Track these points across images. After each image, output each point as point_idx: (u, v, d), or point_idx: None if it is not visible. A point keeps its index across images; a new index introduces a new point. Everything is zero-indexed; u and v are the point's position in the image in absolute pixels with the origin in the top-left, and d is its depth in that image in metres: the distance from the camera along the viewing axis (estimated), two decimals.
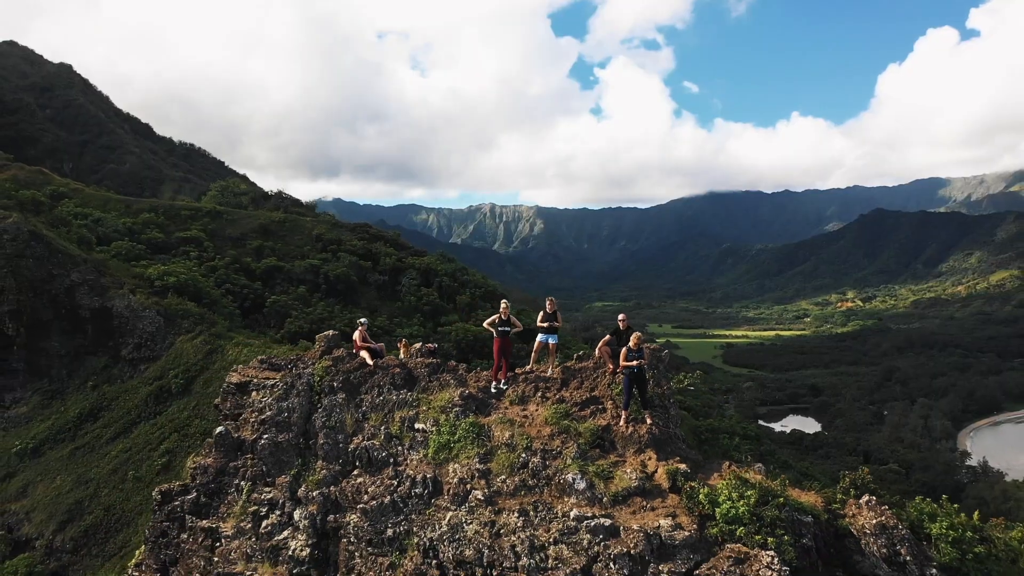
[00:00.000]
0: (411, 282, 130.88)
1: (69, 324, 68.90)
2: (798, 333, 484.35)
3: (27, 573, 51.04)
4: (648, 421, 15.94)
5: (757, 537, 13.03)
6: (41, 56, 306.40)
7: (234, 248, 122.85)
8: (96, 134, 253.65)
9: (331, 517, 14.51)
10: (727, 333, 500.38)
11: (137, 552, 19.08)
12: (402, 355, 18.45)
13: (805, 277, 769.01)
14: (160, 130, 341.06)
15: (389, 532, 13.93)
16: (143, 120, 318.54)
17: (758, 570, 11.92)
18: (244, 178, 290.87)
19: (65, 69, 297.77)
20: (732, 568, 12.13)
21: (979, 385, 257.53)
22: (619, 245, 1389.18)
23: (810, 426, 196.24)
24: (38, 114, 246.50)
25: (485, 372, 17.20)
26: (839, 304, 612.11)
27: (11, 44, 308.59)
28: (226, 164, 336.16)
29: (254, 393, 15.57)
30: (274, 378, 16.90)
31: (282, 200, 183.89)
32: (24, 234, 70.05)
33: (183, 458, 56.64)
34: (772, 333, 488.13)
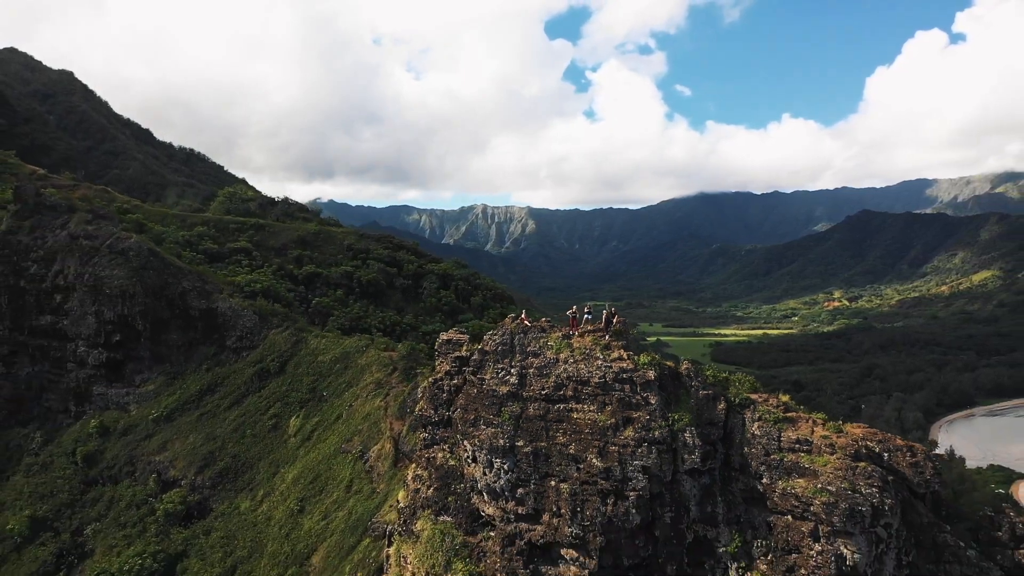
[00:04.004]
0: (431, 285, 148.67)
1: (183, 321, 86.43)
2: (786, 332, 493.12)
3: (180, 501, 69.25)
4: (621, 341, 38.01)
5: (650, 369, 35.19)
6: (41, 63, 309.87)
7: (277, 257, 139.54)
8: (99, 140, 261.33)
9: (524, 371, 37.25)
10: (716, 332, 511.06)
11: (418, 406, 37.83)
12: (523, 317, 40.93)
13: (793, 277, 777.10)
14: (160, 133, 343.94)
15: (545, 371, 36.85)
16: (143, 125, 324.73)
17: (649, 375, 34.78)
18: (244, 182, 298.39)
19: (66, 76, 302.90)
20: (641, 373, 34.99)
21: (953, 381, 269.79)
22: (610, 246, 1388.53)
23: None
24: (50, 123, 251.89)
25: (567, 328, 36.75)
26: (826, 303, 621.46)
27: (12, 51, 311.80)
28: (225, 168, 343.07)
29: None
30: (463, 338, 37.35)
31: (288, 206, 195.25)
32: (144, 251, 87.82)
33: (287, 420, 74.78)
34: (760, 332, 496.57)
